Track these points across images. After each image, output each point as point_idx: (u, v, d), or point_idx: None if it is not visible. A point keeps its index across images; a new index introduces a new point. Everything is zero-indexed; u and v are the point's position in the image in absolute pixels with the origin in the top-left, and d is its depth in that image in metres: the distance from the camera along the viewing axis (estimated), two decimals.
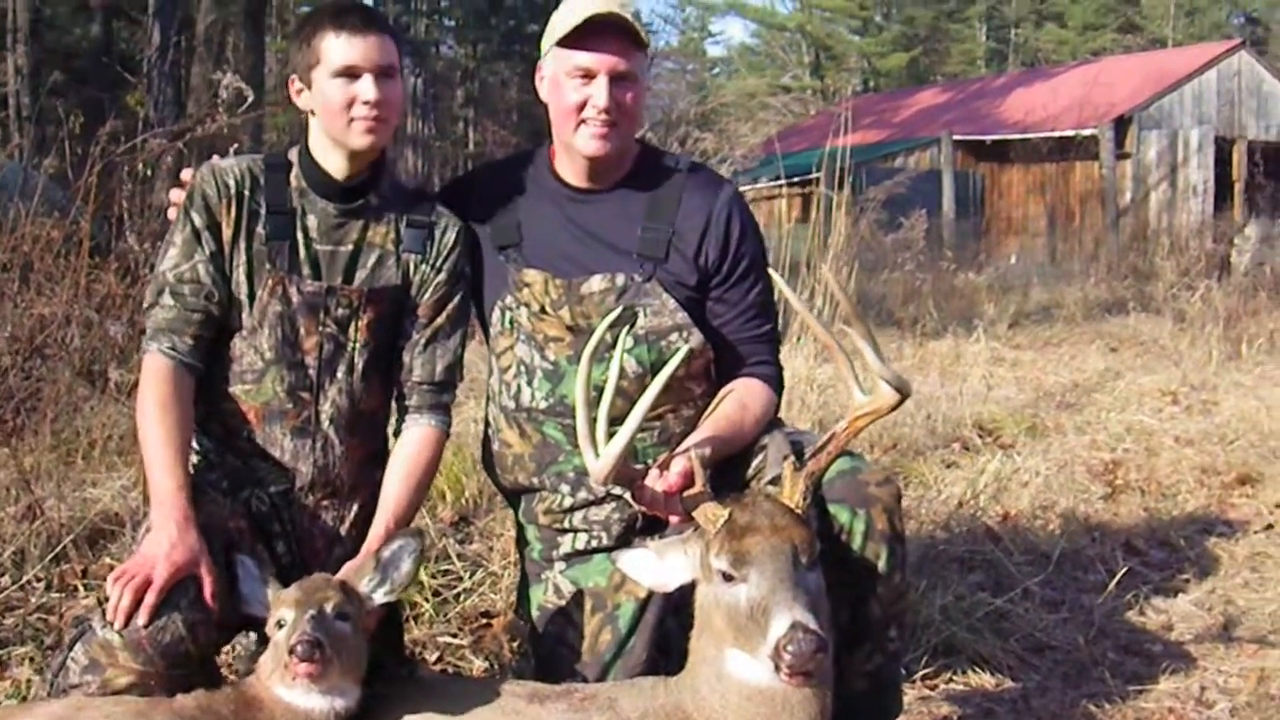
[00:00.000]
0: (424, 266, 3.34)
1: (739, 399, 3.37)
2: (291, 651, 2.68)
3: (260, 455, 3.28)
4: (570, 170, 3.46)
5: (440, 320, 3.37)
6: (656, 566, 2.94)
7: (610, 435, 2.90)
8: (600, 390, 2.97)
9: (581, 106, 3.30)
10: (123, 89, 12.46)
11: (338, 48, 3.15)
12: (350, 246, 3.30)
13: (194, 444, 3.23)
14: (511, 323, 3.41)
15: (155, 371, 3.15)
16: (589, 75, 3.29)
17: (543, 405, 3.38)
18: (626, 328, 3.27)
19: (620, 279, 3.34)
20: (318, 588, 2.88)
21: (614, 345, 3.11)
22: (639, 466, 3.06)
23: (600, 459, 2.91)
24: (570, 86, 3.31)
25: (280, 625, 2.81)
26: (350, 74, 3.16)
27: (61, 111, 7.33)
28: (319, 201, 3.30)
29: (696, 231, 3.40)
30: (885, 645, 3.21)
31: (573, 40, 3.28)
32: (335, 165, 3.29)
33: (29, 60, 13.92)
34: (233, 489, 3.25)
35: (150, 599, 2.79)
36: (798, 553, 2.72)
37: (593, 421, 2.92)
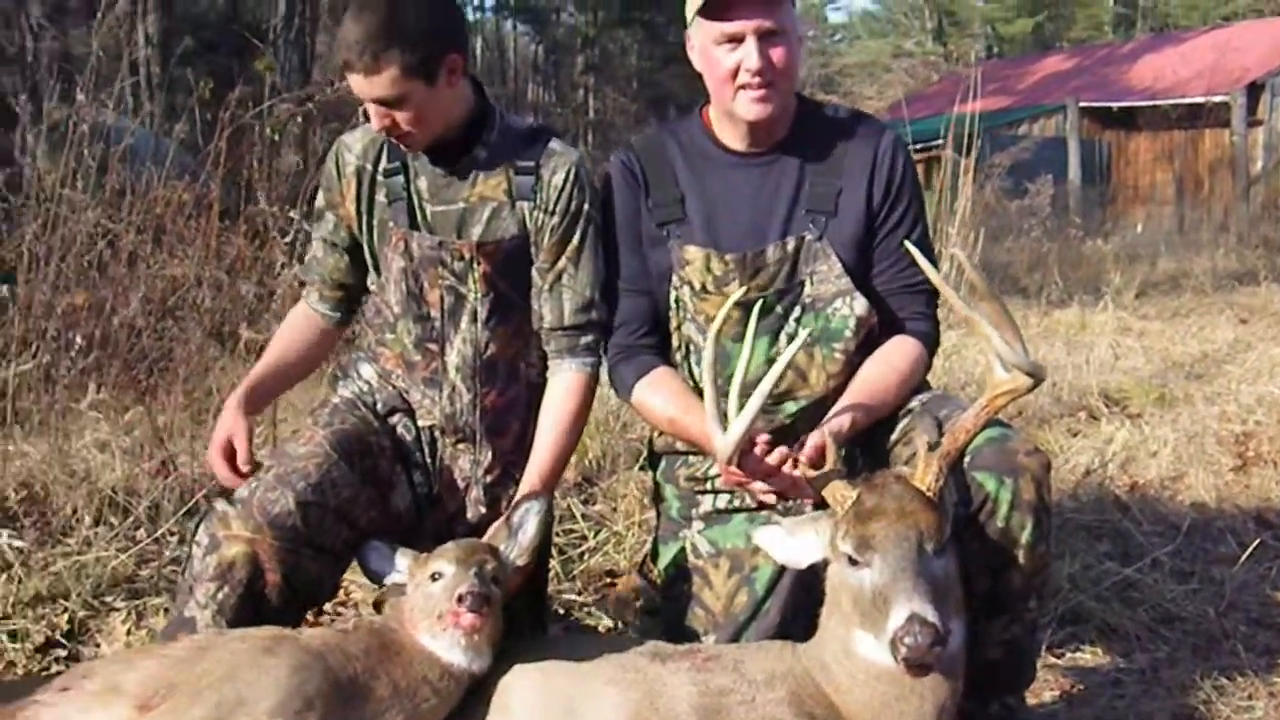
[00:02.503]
0: (537, 212, 3.36)
1: (887, 360, 3.32)
2: (460, 599, 2.76)
3: (409, 394, 3.44)
4: (733, 135, 3.40)
5: (561, 262, 3.38)
6: (789, 544, 2.93)
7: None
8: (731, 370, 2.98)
9: (735, 73, 3.23)
10: (250, 57, 12.66)
11: (352, 80, 3.19)
12: (460, 204, 3.37)
13: (360, 372, 3.53)
14: (676, 302, 3.37)
15: (292, 313, 3.67)
16: (736, 39, 3.22)
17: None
18: (757, 306, 3.22)
19: (791, 243, 3.30)
20: (476, 549, 2.96)
21: (785, 319, 3.22)
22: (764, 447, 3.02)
23: (724, 439, 2.91)
24: (720, 54, 3.25)
25: (435, 578, 2.88)
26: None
27: (191, 78, 7.44)
28: (427, 165, 3.38)
29: (864, 175, 3.36)
30: (1024, 615, 3.15)
31: (713, 8, 3.22)
32: None
33: (159, 29, 14.15)
34: (386, 413, 3.43)
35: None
36: (923, 539, 2.69)
37: (719, 401, 2.92)
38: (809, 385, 3.31)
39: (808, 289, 3.30)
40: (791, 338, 3.26)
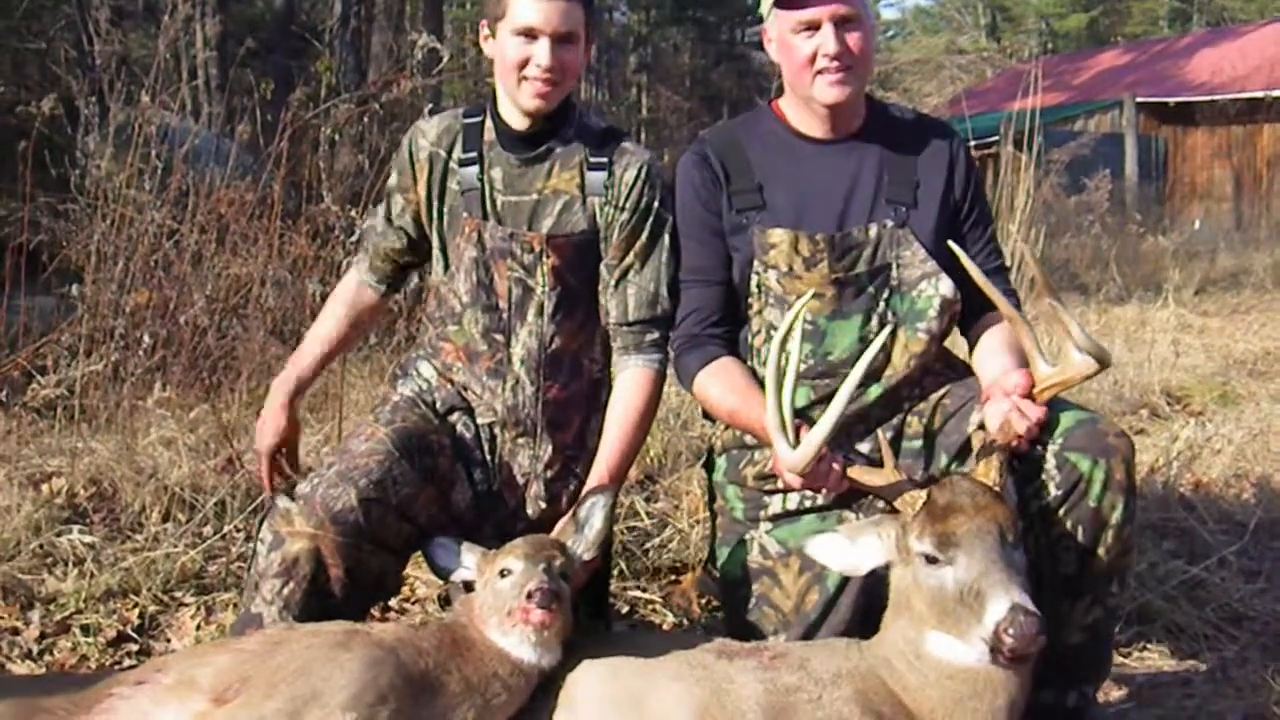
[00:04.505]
0: (608, 208, 3.40)
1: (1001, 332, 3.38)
2: (530, 596, 2.77)
3: (469, 390, 3.45)
4: (810, 123, 3.45)
5: (629, 259, 3.41)
6: (848, 551, 2.92)
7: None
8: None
9: (813, 58, 3.29)
10: (307, 58, 12.77)
11: (522, 7, 3.23)
12: (534, 196, 3.40)
13: (420, 370, 3.54)
14: (759, 286, 3.37)
15: (343, 281, 3.75)
16: (813, 26, 3.28)
17: (801, 368, 3.17)
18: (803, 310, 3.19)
19: (874, 229, 3.34)
20: (544, 545, 2.97)
21: (875, 300, 3.30)
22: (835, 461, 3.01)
23: (794, 455, 2.90)
24: (798, 41, 3.31)
25: (504, 574, 2.89)
26: (529, 34, 3.24)
27: (252, 78, 7.51)
28: (503, 153, 3.42)
29: (942, 172, 3.43)
30: (1106, 599, 3.15)
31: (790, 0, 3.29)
32: (514, 118, 3.41)
33: (216, 32, 14.30)
34: (445, 412, 3.44)
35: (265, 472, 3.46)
36: (1004, 532, 2.69)
37: (781, 410, 2.91)
38: (892, 365, 3.32)
39: (894, 272, 3.33)
40: (882, 320, 3.31)
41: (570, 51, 3.29)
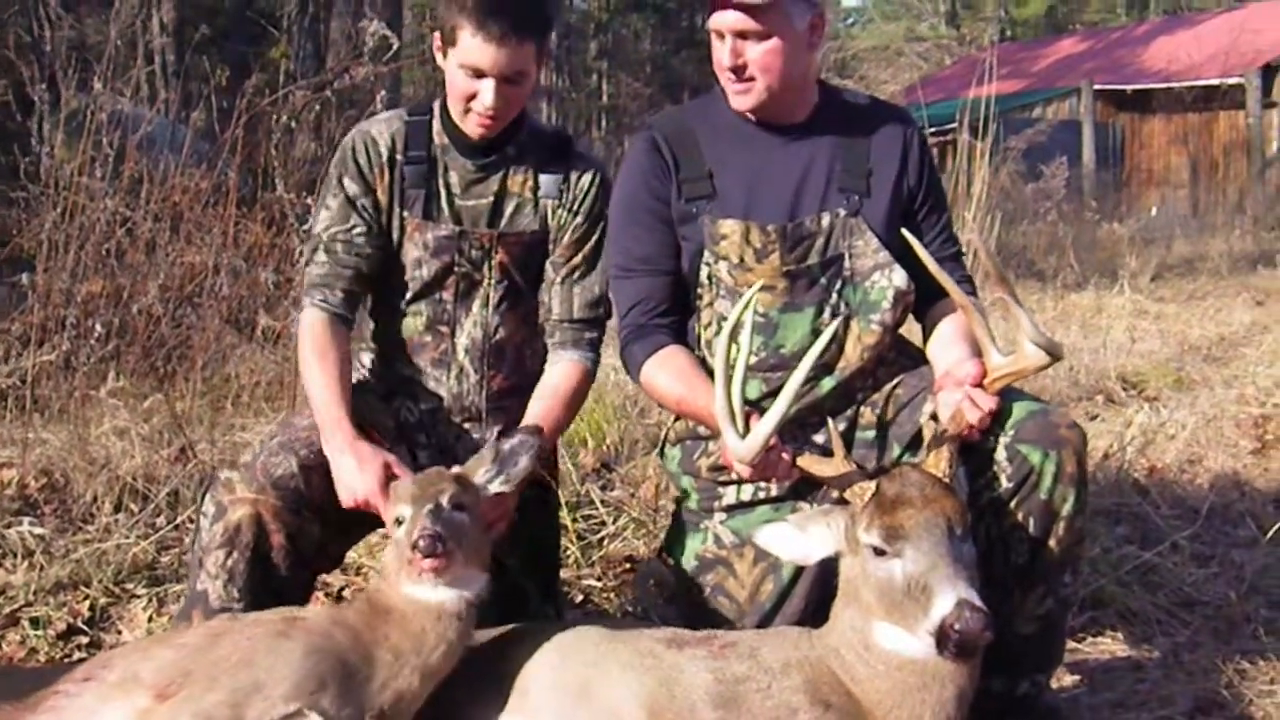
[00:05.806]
0: (561, 211, 3.44)
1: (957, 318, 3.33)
2: (414, 547, 2.72)
3: (413, 377, 3.47)
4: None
5: (577, 259, 3.45)
6: (797, 540, 2.89)
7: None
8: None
9: (723, 65, 3.28)
10: (265, 44, 12.69)
11: (471, 47, 3.19)
12: (490, 198, 3.43)
13: (361, 361, 3.54)
14: (710, 278, 3.33)
15: (310, 325, 3.36)
16: (720, 35, 3.25)
17: (752, 361, 3.12)
18: (754, 303, 3.06)
19: (826, 218, 3.30)
20: (432, 481, 2.91)
21: (828, 291, 3.26)
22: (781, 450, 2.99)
23: (744, 445, 2.88)
24: (714, 43, 3.29)
25: (399, 522, 2.85)
26: (477, 73, 3.21)
27: (208, 65, 7.46)
28: (459, 158, 3.42)
29: (895, 160, 3.39)
30: (1059, 589, 3.15)
31: (710, 3, 3.25)
32: (467, 129, 3.39)
33: (173, 17, 14.19)
34: (387, 395, 3.47)
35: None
36: (952, 525, 2.67)
37: (729, 401, 2.89)
38: (845, 357, 3.31)
39: (847, 262, 3.31)
40: (835, 311, 3.28)
41: (519, 87, 3.27)
